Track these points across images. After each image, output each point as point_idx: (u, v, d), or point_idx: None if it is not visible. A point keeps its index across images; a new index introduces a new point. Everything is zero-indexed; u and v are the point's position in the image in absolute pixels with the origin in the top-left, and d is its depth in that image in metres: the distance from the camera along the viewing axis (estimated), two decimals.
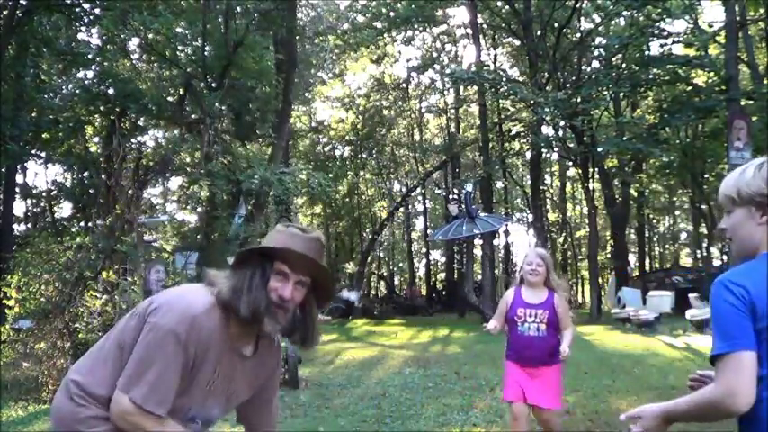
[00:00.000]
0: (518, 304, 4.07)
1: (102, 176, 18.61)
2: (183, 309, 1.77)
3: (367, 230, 30.82)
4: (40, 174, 39.00)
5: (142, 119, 18.82)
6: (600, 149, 18.58)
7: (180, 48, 16.43)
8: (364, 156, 29.53)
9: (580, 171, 21.31)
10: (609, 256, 28.82)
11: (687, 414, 1.52)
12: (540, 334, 3.98)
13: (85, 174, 20.06)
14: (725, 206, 1.59)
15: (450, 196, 19.51)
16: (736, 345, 1.40)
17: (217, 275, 1.87)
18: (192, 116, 16.95)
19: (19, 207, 20.47)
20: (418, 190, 28.88)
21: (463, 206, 14.83)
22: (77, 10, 15.47)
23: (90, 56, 16.62)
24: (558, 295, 4.05)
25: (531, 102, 17.32)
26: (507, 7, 21.00)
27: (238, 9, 16.17)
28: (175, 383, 1.76)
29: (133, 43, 17.70)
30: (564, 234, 29.28)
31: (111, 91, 16.65)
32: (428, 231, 30.40)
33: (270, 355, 2.01)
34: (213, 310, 1.80)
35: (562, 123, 19.15)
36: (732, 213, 1.57)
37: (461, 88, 24.45)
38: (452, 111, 26.94)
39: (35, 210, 22.61)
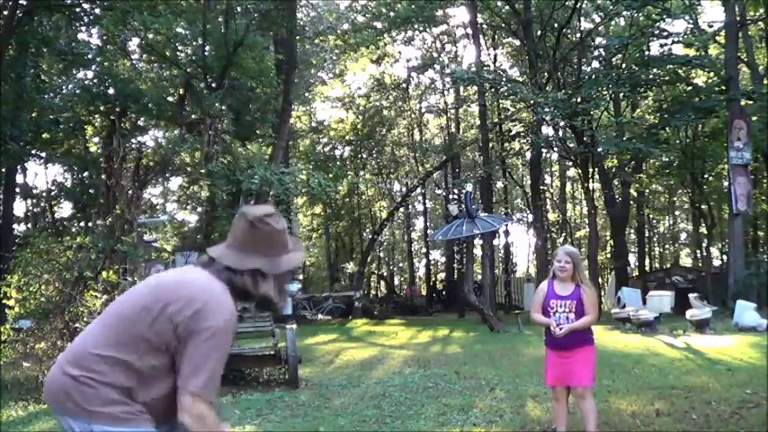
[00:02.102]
0: (551, 296, 4.59)
1: (102, 176, 18.65)
2: (224, 306, 1.93)
3: (367, 230, 30.80)
4: (40, 174, 39.12)
5: (142, 119, 18.82)
6: (600, 149, 18.58)
7: (180, 48, 16.44)
8: (364, 156, 29.51)
9: (580, 171, 21.30)
10: (609, 256, 28.81)
11: None
12: (570, 322, 4.49)
13: (85, 174, 20.08)
14: None
15: (451, 196, 19.51)
16: None
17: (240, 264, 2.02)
18: (192, 116, 16.95)
19: (19, 207, 20.49)
20: (418, 190, 28.86)
21: (463, 206, 14.80)
22: (77, 10, 15.49)
23: (90, 56, 16.62)
24: (583, 287, 4.56)
25: (531, 102, 17.33)
26: (507, 7, 21.00)
27: (238, 9, 16.18)
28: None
29: (133, 43, 17.73)
30: (564, 234, 29.21)
31: (111, 91, 16.67)
32: (428, 231, 30.37)
33: None
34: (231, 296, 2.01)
35: (562, 123, 19.15)
36: None
37: (461, 88, 24.43)
38: (452, 111, 26.92)
39: (35, 210, 22.60)
